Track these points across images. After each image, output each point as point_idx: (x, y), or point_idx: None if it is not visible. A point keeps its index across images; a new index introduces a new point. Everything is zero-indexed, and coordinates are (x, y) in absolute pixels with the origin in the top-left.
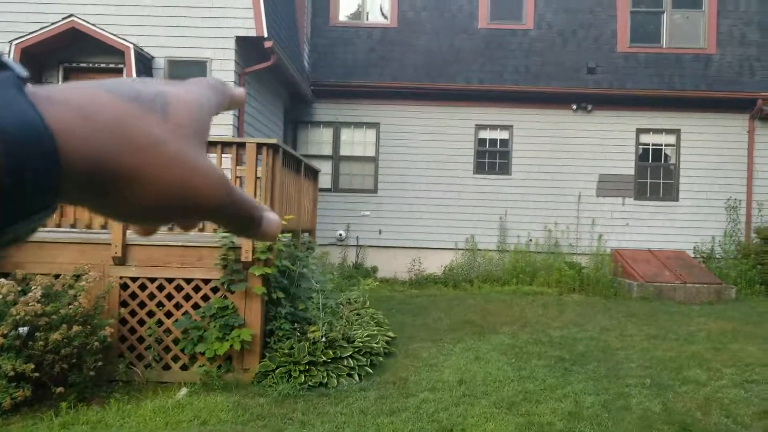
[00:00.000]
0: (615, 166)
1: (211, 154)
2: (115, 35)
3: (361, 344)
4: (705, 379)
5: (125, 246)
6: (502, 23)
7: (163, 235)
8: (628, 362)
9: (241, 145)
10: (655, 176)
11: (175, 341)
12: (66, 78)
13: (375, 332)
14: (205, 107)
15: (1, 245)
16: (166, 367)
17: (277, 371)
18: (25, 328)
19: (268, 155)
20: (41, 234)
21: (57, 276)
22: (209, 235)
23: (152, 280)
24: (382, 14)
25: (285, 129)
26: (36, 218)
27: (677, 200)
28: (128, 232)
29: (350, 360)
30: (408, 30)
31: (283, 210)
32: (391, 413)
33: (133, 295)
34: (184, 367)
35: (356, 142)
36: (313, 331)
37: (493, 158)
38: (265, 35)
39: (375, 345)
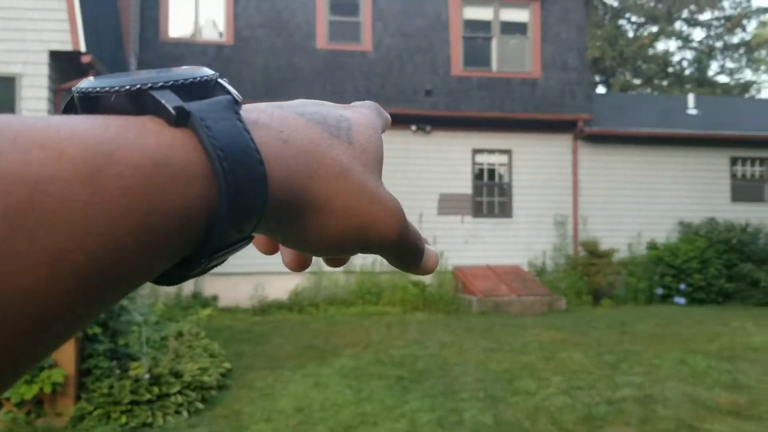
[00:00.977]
0: (454, 185)
1: None
2: None
3: (191, 378)
4: (535, 388)
5: None
6: (340, 44)
7: None
8: (464, 376)
9: None
10: (490, 194)
11: None
12: None
13: (208, 365)
14: (378, 132)
15: (195, 275)
16: None
17: (95, 413)
18: None
19: None
20: None
21: None
22: None
23: None
24: (217, 31)
25: None
26: (237, 248)
27: (511, 217)
28: None
29: (178, 396)
30: (245, 47)
31: None
32: None
33: None
34: None
35: None
36: (136, 368)
37: None
38: (83, 49)
39: (207, 378)
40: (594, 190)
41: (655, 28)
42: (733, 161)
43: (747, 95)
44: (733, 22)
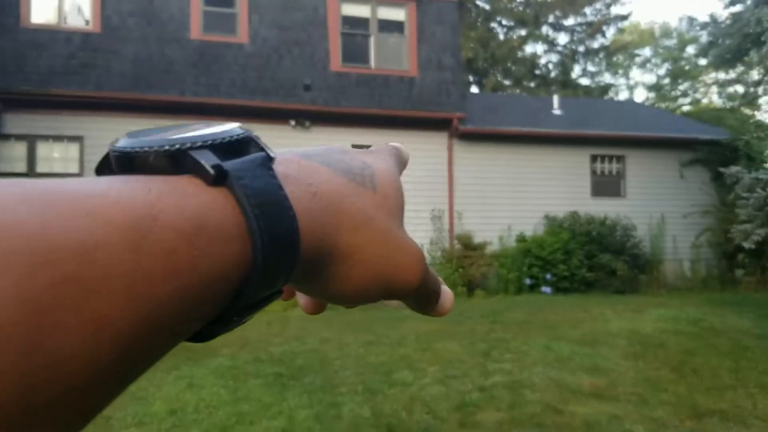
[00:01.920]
0: None
1: None
2: None
3: None
4: (411, 379)
5: None
6: (215, 35)
7: None
8: (343, 371)
9: None
10: None
11: None
12: None
13: None
14: (398, 177)
15: (226, 332)
16: None
17: None
18: None
19: None
20: None
21: None
22: None
23: None
24: (83, 18)
25: None
26: (267, 303)
27: None
28: None
29: None
30: (113, 36)
31: None
32: None
33: None
34: None
35: (57, 158)
36: None
37: None
38: None
39: None
40: (468, 186)
41: (524, 32)
42: (593, 159)
43: (606, 97)
44: (594, 28)
